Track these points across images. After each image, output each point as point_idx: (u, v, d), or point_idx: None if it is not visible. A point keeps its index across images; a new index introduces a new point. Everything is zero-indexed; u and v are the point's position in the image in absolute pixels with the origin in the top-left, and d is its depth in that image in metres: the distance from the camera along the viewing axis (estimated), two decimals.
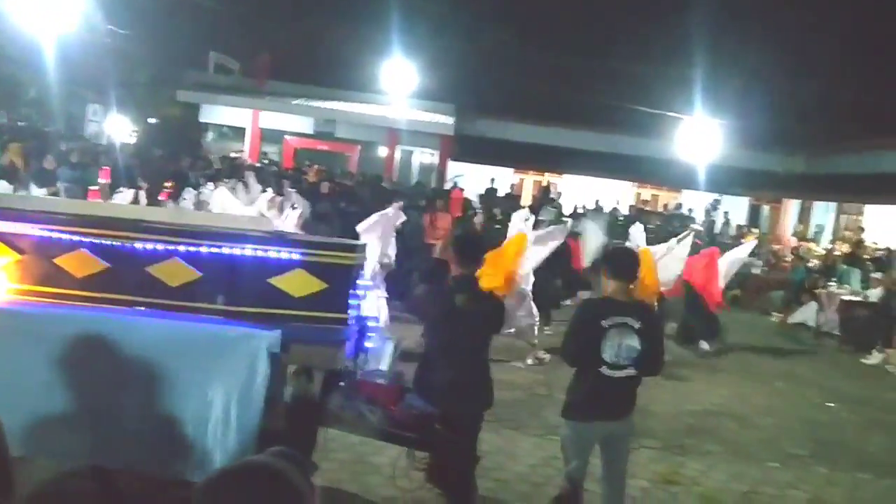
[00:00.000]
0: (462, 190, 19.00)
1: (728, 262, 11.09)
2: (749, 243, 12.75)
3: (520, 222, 9.42)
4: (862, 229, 18.95)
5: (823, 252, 18.41)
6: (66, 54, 15.65)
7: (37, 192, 11.07)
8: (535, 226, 9.57)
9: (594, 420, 4.18)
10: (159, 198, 11.84)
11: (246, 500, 1.53)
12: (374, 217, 7.74)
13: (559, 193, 23.27)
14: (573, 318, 4.29)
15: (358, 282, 3.94)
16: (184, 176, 14.52)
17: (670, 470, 6.07)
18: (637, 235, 10.13)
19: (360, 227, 7.69)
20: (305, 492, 1.57)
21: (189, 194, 12.95)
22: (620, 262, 4.39)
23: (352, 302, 3.77)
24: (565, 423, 4.27)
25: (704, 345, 11.22)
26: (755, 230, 20.33)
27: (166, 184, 12.84)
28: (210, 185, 14.16)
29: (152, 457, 3.33)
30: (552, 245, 8.99)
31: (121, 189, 11.06)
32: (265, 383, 3.33)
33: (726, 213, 23.42)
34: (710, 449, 6.80)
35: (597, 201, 21.76)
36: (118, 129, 20.94)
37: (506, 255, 8.56)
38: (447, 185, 20.36)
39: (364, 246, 4.22)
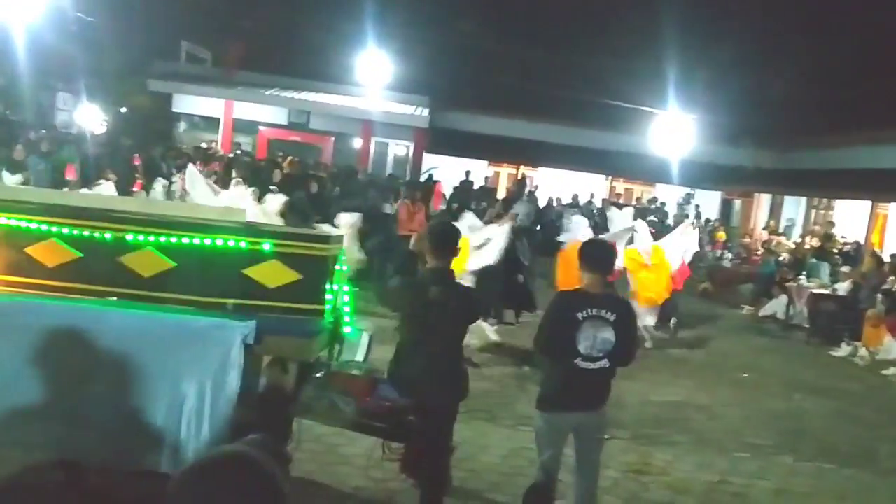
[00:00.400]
0: (438, 182, 19.03)
1: (678, 249, 11.00)
2: (688, 232, 12.76)
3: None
4: (832, 224, 19.21)
5: (793, 246, 18.70)
6: (34, 43, 15.38)
7: (8, 179, 10.94)
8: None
9: (568, 411, 4.21)
10: (133, 189, 11.71)
11: (221, 489, 1.53)
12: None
13: (536, 186, 23.35)
14: (548, 310, 4.31)
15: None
16: (155, 166, 14.36)
17: (639, 460, 6.15)
18: (643, 232, 10.05)
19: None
20: (280, 480, 1.57)
21: (160, 184, 12.85)
22: (595, 255, 4.41)
23: (326, 293, 3.78)
24: (539, 415, 4.29)
25: (673, 320, 11.35)
26: (695, 220, 20.59)
27: (136, 174, 12.70)
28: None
29: (125, 449, 3.31)
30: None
31: (99, 182, 10.94)
32: (239, 374, 3.32)
33: (698, 206, 23.69)
34: (677, 439, 6.89)
35: (575, 195, 21.87)
36: (88, 118, 20.63)
37: (572, 256, 9.31)
38: (422, 178, 20.34)
39: (340, 237, 4.21)
